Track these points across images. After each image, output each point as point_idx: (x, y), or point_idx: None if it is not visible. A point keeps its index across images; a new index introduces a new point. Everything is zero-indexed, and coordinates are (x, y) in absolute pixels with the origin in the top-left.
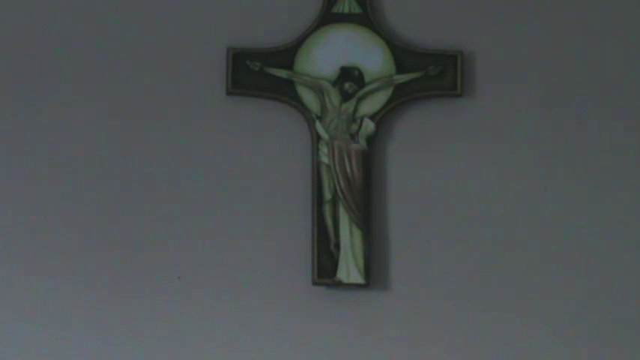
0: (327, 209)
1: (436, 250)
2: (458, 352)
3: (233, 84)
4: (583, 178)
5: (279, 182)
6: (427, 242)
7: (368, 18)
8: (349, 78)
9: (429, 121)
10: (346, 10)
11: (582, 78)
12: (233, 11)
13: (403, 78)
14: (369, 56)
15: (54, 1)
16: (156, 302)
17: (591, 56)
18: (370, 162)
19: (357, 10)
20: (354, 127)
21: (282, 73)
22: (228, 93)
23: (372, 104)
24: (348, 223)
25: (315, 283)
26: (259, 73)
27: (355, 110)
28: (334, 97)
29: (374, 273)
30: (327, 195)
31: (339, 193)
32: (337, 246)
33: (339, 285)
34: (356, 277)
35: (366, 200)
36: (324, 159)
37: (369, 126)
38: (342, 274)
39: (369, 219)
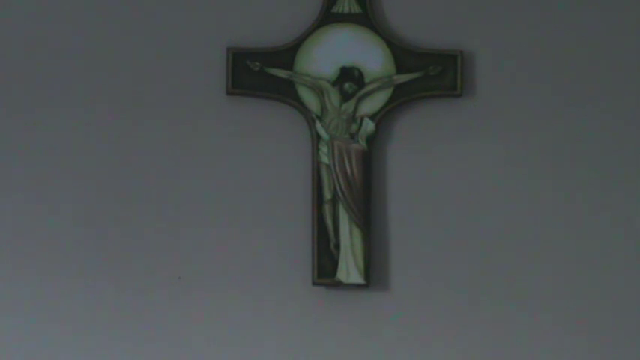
0: (327, 209)
1: (436, 250)
2: (458, 352)
3: (233, 84)
4: (583, 177)
5: (279, 182)
6: (427, 242)
7: (368, 18)
8: (349, 78)
9: (429, 121)
10: (346, 10)
11: (582, 78)
12: (233, 11)
13: (403, 78)
14: (369, 56)
15: (54, 1)
16: (156, 302)
17: (591, 56)
18: (370, 162)
19: (357, 10)
20: (354, 127)
21: (282, 73)
22: (228, 93)
23: (372, 104)
24: (348, 223)
25: (315, 283)
26: (259, 73)
27: (355, 110)
28: (334, 97)
29: (374, 273)
30: (327, 195)
31: (339, 193)
32: (337, 246)
33: (339, 285)
34: (356, 277)
35: (366, 200)
36: (324, 159)
37: (369, 126)
38: (342, 274)
39: (369, 219)
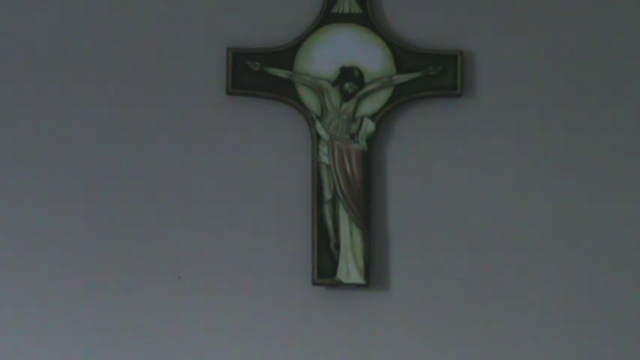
0: (327, 209)
1: (436, 250)
2: (458, 352)
3: (233, 84)
4: (583, 177)
5: (279, 182)
6: (427, 242)
7: (368, 18)
8: (349, 78)
9: (429, 121)
10: (346, 10)
11: (582, 78)
12: (233, 11)
13: (403, 78)
14: (369, 56)
15: (54, 1)
16: (156, 302)
17: (591, 56)
18: (370, 162)
19: (357, 10)
20: (354, 127)
21: (282, 73)
22: (228, 93)
23: (372, 104)
24: (348, 223)
25: (315, 283)
26: (259, 73)
27: (355, 110)
28: (334, 97)
29: (374, 273)
30: (327, 195)
31: (339, 193)
32: (337, 246)
33: (339, 285)
34: (356, 277)
35: (366, 200)
36: (324, 159)
37: (369, 126)
38: (342, 274)
39: (369, 219)
